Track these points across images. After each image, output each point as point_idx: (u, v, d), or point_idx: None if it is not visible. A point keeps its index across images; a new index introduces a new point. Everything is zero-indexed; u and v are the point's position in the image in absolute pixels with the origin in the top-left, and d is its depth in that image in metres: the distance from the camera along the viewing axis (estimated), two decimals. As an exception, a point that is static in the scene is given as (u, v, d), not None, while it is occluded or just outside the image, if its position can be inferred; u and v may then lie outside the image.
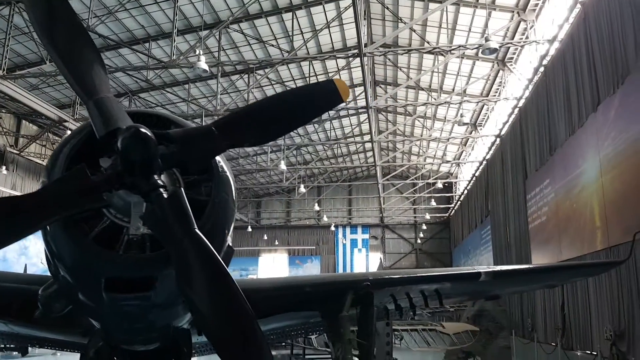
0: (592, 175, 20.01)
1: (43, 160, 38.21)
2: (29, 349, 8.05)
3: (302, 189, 46.36)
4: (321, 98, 4.50)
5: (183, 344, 5.82)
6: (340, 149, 53.52)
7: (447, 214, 60.68)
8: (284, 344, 14.10)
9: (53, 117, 30.56)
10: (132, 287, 3.81)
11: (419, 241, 62.45)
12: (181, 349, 5.82)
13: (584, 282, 21.06)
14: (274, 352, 15.43)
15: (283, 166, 37.54)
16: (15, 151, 35.97)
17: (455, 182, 54.44)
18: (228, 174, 4.60)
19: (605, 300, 19.06)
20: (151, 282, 3.88)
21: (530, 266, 8.63)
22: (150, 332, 5.13)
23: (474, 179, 44.66)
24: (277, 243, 65.38)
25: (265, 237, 64.92)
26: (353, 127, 46.89)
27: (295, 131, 45.59)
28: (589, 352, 20.03)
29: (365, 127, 42.82)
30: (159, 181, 3.77)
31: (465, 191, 49.30)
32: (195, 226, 3.71)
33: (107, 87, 4.13)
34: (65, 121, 30.74)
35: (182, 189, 3.92)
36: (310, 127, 44.04)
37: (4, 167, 33.39)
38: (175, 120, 4.56)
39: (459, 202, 53.74)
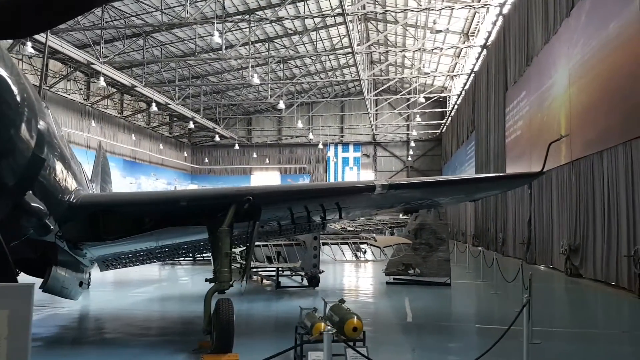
0: (561, 86, 18.94)
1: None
2: None
3: (282, 105, 44.99)
4: None
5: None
6: (330, 63, 51.51)
7: (439, 130, 59.67)
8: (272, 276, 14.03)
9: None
10: None
11: (410, 158, 61.96)
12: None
13: (549, 197, 20.76)
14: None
15: (256, 80, 36.14)
16: None
17: (449, 97, 52.81)
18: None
19: (565, 215, 18.81)
20: None
21: (427, 179, 8.11)
22: None
23: (463, 92, 43.22)
24: (267, 162, 65.28)
25: (255, 155, 64.70)
26: (342, 37, 44.54)
27: (280, 42, 43.71)
28: (550, 266, 20.16)
29: (356, 38, 40.71)
30: None
31: (456, 106, 47.98)
32: None
33: None
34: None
35: None
36: (296, 37, 42.05)
37: None
38: None
39: (449, 117, 52.56)
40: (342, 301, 7.55)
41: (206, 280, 7.44)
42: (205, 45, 40.18)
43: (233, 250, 8.36)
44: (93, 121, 46.64)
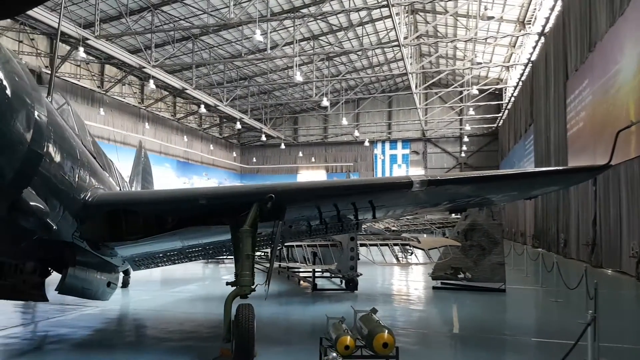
0: (629, 71, 17.13)
1: (79, 80, 38.84)
2: None
3: (325, 102, 44.14)
4: None
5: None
6: (377, 58, 50.33)
7: (495, 124, 57.13)
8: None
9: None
10: None
11: (463, 155, 59.67)
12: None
13: (617, 194, 18.91)
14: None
15: (299, 77, 35.48)
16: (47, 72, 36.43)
17: (504, 89, 50.35)
18: None
19: (635, 214, 17.01)
20: None
21: (472, 174, 7.18)
22: None
23: (520, 83, 40.98)
24: (313, 160, 64.88)
25: (301, 154, 64.48)
26: (388, 30, 43.31)
27: (325, 39, 43.08)
28: (618, 270, 18.35)
29: (404, 30, 39.37)
30: None
31: (512, 98, 45.65)
32: None
33: None
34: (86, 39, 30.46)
35: None
36: (341, 34, 41.27)
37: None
38: None
39: (506, 110, 50.13)
40: (374, 311, 6.75)
41: (227, 283, 6.88)
42: (252, 46, 40.19)
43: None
44: (147, 123, 47.91)
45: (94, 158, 7.79)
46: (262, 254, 15.66)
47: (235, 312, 6.37)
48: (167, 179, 47.81)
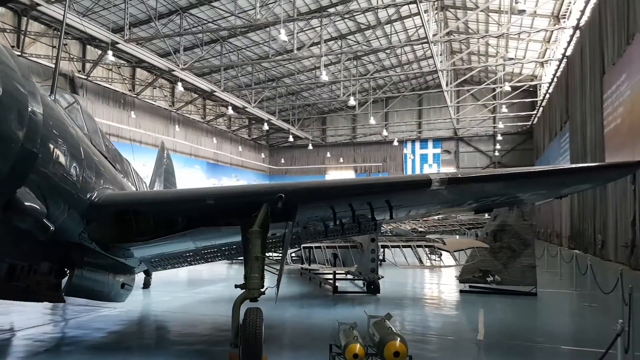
0: (671, 62, 16.20)
1: (110, 84, 39.61)
2: None
3: (352, 102, 43.61)
4: None
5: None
6: (406, 56, 49.59)
7: (529, 122, 55.48)
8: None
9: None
10: None
11: (497, 154, 58.18)
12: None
13: (659, 194, 17.93)
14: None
15: (324, 77, 35.11)
16: (83, 76, 37.26)
17: (539, 86, 48.81)
18: None
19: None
20: None
21: (496, 171, 6.71)
22: None
23: (554, 79, 39.62)
24: (342, 160, 64.48)
25: (329, 155, 64.19)
26: (417, 27, 42.61)
27: (353, 38, 42.68)
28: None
29: (433, 27, 38.59)
30: None
31: (547, 95, 44.20)
32: None
33: None
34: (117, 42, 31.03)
35: None
36: (369, 32, 40.81)
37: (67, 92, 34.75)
38: None
39: (541, 108, 48.59)
40: (387, 317, 6.42)
41: (236, 286, 6.63)
42: (279, 47, 40.17)
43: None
44: (177, 126, 48.56)
45: (106, 158, 7.69)
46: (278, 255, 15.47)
47: (243, 317, 6.13)
48: (197, 180, 48.37)
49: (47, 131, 5.38)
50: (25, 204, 5.15)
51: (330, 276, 13.26)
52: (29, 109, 4.97)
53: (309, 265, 13.70)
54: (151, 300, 12.00)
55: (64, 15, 9.00)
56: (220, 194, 7.19)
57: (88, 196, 6.38)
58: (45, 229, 5.54)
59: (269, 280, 6.75)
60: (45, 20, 30.93)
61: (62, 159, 5.75)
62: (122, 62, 39.83)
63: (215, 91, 44.06)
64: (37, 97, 5.21)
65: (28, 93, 5.03)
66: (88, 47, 36.92)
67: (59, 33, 8.33)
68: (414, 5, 28.05)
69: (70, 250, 6.88)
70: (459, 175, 6.91)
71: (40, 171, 5.36)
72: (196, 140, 52.50)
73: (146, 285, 13.24)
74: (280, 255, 9.53)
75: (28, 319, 9.16)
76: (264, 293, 6.50)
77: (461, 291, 13.21)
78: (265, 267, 6.77)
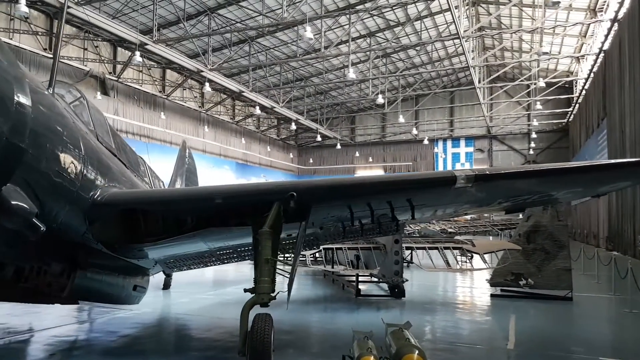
0: None
1: (141, 85, 40.13)
2: None
3: (380, 100, 42.83)
4: None
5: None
6: (437, 53, 48.54)
7: (565, 120, 53.60)
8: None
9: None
10: None
11: (532, 152, 56.45)
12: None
13: None
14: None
15: (351, 75, 34.52)
16: (114, 78, 37.87)
17: (575, 82, 47.05)
18: None
19: None
20: None
21: (525, 168, 6.18)
22: None
23: (591, 75, 38.04)
24: (371, 160, 63.75)
25: (357, 154, 63.58)
26: (448, 24, 41.61)
27: (382, 35, 42.02)
28: None
29: (465, 23, 37.54)
30: None
31: (584, 91, 42.53)
32: None
33: None
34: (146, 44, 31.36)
35: None
36: (398, 29, 40.07)
37: (98, 93, 35.35)
38: None
39: (577, 104, 46.83)
40: (406, 325, 5.95)
41: (245, 290, 6.27)
42: (307, 46, 39.90)
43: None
44: (206, 126, 48.90)
45: (115, 155, 7.45)
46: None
47: (252, 323, 5.77)
48: (226, 180, 48.51)
49: (39, 124, 5.02)
50: (12, 202, 4.79)
51: (353, 278, 12.83)
52: (15, 99, 4.59)
53: (332, 267, 13.33)
54: (169, 301, 11.82)
55: (64, 7, 8.85)
56: (228, 192, 6.85)
57: (90, 194, 6.07)
58: (35, 229, 5.13)
59: (281, 285, 6.38)
60: (77, 23, 31.49)
61: (57, 155, 5.38)
62: (152, 63, 40.29)
63: (243, 91, 44.14)
64: (24, 86, 4.81)
65: (13, 81, 4.64)
66: (119, 49, 37.50)
67: (59, 25, 8.16)
68: (445, 0, 27.28)
69: (74, 250, 6.64)
70: (487, 172, 6.39)
71: (31, 168, 5.00)
72: (225, 141, 52.80)
73: (166, 286, 13.08)
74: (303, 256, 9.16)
75: (41, 322, 9.05)
76: (274, 298, 6.11)
77: (492, 295, 12.58)
78: (279, 269, 6.40)
